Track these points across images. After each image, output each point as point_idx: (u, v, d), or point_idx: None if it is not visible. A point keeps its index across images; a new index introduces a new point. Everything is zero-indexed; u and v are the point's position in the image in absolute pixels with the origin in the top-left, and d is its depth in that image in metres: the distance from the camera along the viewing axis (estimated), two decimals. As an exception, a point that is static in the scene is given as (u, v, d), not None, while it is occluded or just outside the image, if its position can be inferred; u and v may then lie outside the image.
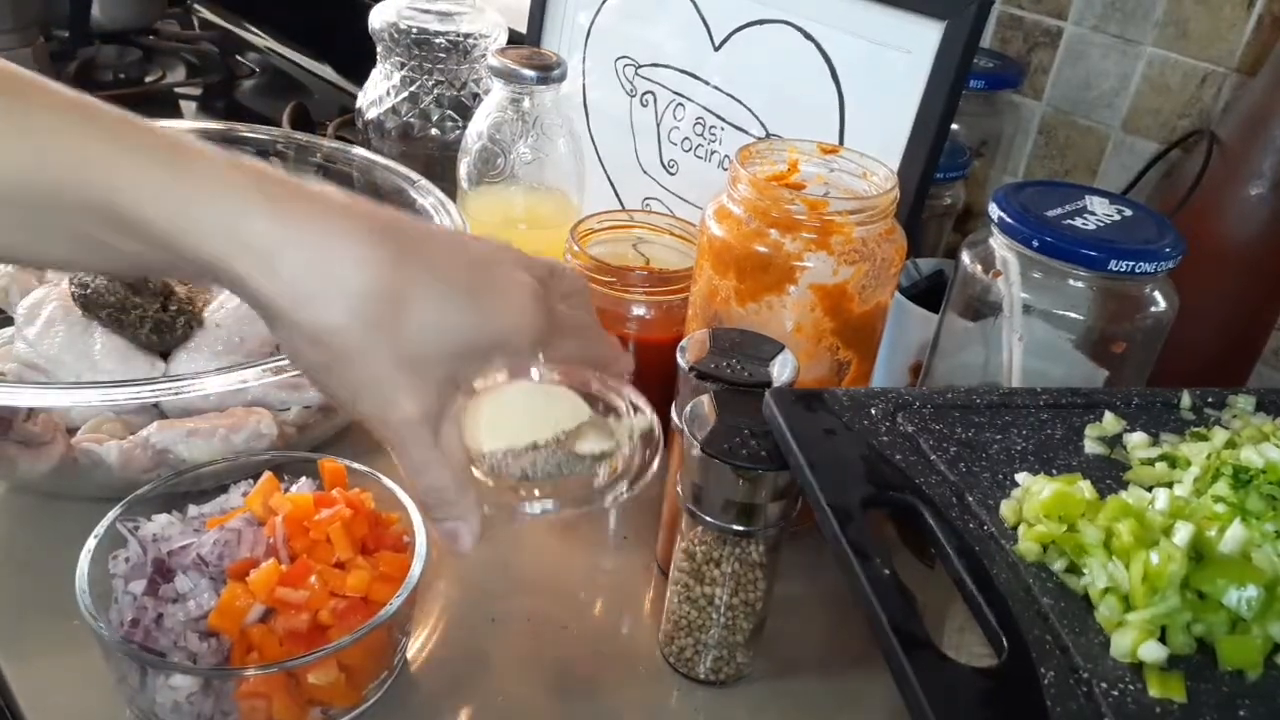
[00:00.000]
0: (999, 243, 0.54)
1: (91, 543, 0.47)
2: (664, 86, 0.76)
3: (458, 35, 0.79)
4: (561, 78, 0.68)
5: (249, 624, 0.45)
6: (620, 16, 0.79)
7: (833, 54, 0.66)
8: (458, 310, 0.36)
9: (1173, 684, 0.33)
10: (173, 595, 0.47)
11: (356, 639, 0.44)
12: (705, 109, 0.74)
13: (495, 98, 0.69)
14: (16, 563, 0.55)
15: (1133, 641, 0.34)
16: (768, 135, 0.70)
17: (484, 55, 0.80)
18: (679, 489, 0.49)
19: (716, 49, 0.73)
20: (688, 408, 0.49)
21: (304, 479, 0.53)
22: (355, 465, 0.53)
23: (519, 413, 0.43)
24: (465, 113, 0.80)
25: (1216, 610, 0.35)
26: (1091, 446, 0.45)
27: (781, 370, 0.51)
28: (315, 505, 0.49)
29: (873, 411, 0.45)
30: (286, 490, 0.52)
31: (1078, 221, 0.53)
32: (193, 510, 0.52)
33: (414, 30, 0.78)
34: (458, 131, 0.79)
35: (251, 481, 0.52)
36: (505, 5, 0.86)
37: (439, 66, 0.79)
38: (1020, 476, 0.42)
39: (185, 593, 0.47)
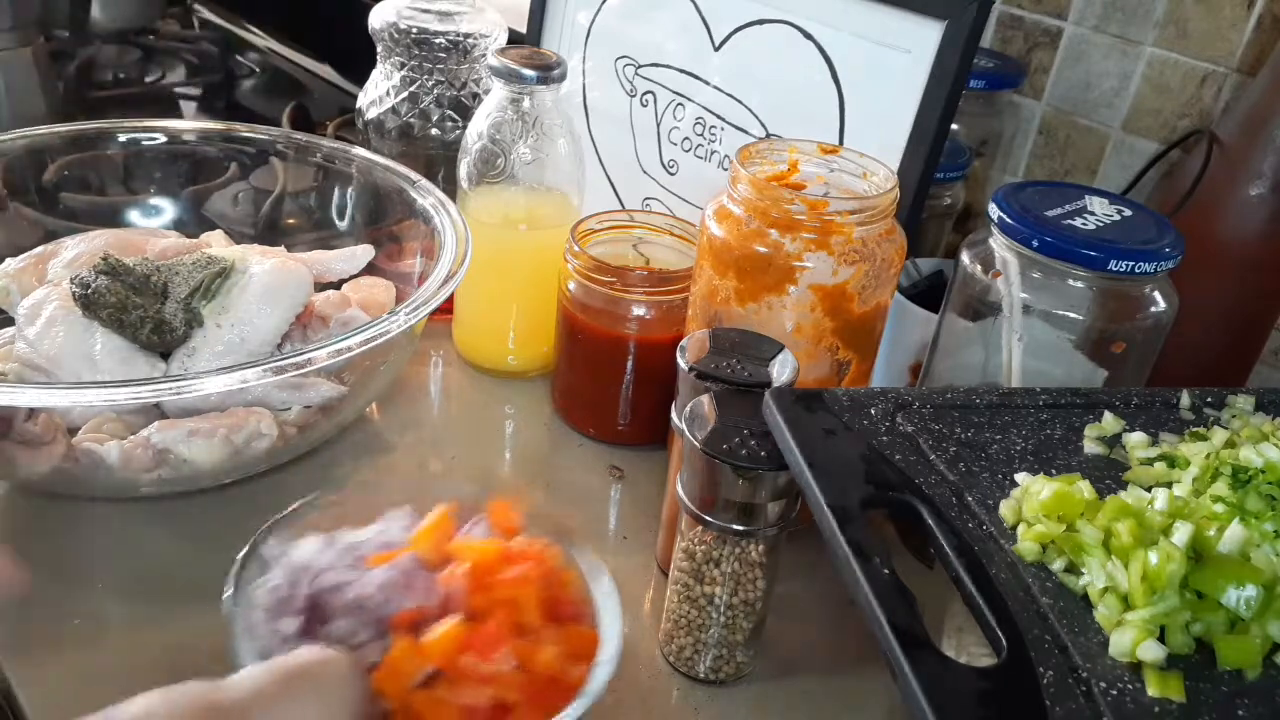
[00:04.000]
0: (999, 243, 0.54)
1: (234, 570, 0.42)
2: (664, 86, 0.76)
3: (457, 35, 0.79)
4: (561, 78, 0.68)
5: (414, 688, 0.38)
6: (620, 16, 0.79)
7: (833, 54, 0.66)
8: None
9: (1171, 683, 0.33)
10: (328, 641, 0.40)
11: None
12: (705, 109, 0.74)
13: (495, 98, 0.69)
14: (17, 563, 0.55)
15: (1132, 641, 0.34)
16: (768, 135, 0.70)
17: (484, 55, 0.80)
18: (679, 489, 0.49)
19: (716, 49, 0.73)
20: (688, 408, 0.49)
21: (479, 521, 0.46)
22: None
23: None
24: (465, 113, 0.80)
25: (1215, 610, 0.35)
26: (1091, 446, 0.45)
27: (781, 370, 0.51)
28: (502, 559, 0.42)
29: (872, 412, 0.45)
30: (465, 532, 0.45)
31: (1077, 221, 0.53)
32: (346, 538, 0.44)
33: (414, 30, 0.78)
34: (458, 131, 0.79)
35: (412, 513, 0.45)
36: (505, 5, 0.86)
37: (439, 66, 0.79)
38: (1019, 476, 0.42)
39: (343, 639, 0.40)
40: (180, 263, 0.64)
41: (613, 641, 0.40)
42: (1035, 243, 0.51)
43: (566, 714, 0.37)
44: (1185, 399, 0.49)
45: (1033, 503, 0.39)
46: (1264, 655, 0.35)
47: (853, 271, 0.53)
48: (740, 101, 0.72)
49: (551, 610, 0.42)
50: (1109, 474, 0.44)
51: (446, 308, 0.67)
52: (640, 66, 0.78)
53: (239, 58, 1.33)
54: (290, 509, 0.45)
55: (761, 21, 0.70)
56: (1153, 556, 0.35)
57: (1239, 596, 0.34)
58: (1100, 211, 0.54)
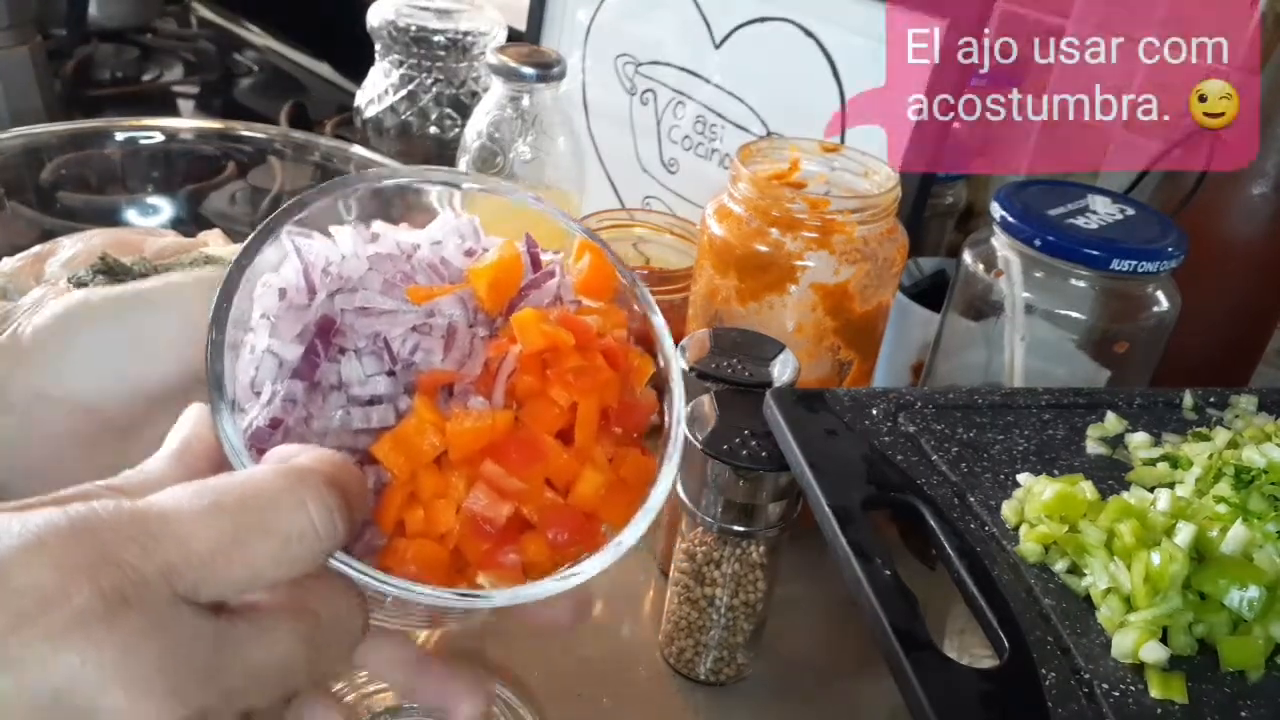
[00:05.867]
0: (1001, 242, 0.54)
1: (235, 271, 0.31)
2: (664, 84, 0.76)
3: (456, 33, 0.79)
4: (561, 76, 0.68)
5: (424, 465, 0.30)
6: (620, 14, 0.78)
7: (834, 51, 0.66)
8: None
9: (1174, 685, 0.33)
10: (333, 381, 0.31)
11: (553, 590, 0.29)
12: (706, 107, 0.74)
13: (494, 96, 0.69)
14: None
15: (1134, 642, 0.34)
16: (769, 133, 0.70)
17: (483, 53, 0.80)
18: (679, 490, 0.49)
19: (717, 46, 0.72)
20: (688, 408, 0.48)
21: (557, 264, 0.34)
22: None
23: None
24: (464, 111, 0.80)
25: (1218, 611, 0.35)
26: (1093, 447, 0.45)
27: (782, 370, 0.51)
28: (571, 347, 0.32)
29: (874, 412, 0.45)
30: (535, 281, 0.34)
31: (1080, 221, 0.53)
32: (390, 236, 0.33)
33: (412, 28, 0.78)
34: (456, 130, 0.79)
35: (475, 226, 0.34)
36: (504, 2, 0.85)
37: (438, 64, 0.79)
38: (1022, 477, 0.42)
39: (350, 383, 0.31)
40: (178, 262, 0.63)
41: (666, 481, 0.33)
42: (1038, 242, 0.51)
43: (585, 567, 0.30)
44: (1188, 399, 0.49)
45: (1035, 503, 0.39)
46: (1267, 656, 0.34)
47: (854, 271, 0.53)
48: (741, 99, 0.71)
49: (611, 421, 0.33)
50: (1112, 474, 0.43)
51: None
52: (640, 64, 0.77)
53: (237, 56, 1.33)
54: (329, 185, 0.33)
55: (762, 19, 0.69)
56: (1155, 557, 0.35)
57: (1242, 597, 0.34)
58: (1103, 210, 0.54)
